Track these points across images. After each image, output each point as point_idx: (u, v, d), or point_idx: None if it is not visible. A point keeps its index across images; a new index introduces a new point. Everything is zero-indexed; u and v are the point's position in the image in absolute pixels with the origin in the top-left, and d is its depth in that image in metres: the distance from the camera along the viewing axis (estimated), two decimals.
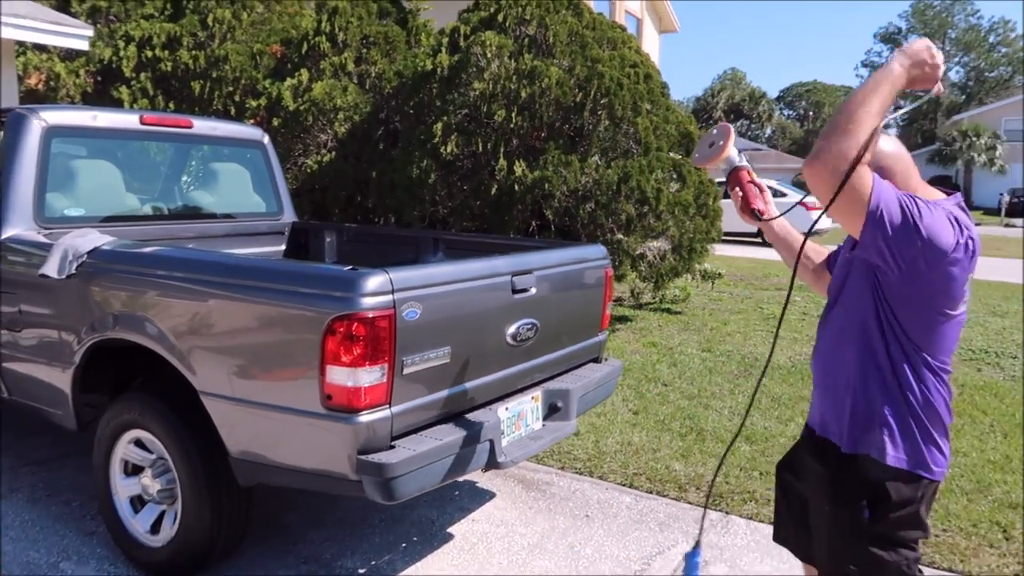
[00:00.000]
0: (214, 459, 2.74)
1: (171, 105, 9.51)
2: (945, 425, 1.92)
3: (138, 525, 3.06)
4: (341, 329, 2.34)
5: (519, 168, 7.19)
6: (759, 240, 18.13)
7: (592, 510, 3.73)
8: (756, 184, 2.23)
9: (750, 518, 3.68)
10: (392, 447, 2.48)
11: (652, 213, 7.17)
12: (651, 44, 21.06)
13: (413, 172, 7.52)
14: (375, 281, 2.38)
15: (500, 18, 7.92)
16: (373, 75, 8.87)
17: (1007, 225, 29.71)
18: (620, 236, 7.38)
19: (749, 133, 65.32)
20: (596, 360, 3.76)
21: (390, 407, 2.46)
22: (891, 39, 66.52)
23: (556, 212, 7.29)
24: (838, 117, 1.71)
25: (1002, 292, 10.86)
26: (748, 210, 2.21)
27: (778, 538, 2.27)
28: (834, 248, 2.32)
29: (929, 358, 1.86)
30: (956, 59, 64.32)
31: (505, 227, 7.41)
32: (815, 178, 1.72)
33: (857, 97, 1.72)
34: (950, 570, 3.24)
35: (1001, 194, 35.71)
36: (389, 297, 2.40)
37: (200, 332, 2.70)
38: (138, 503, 3.09)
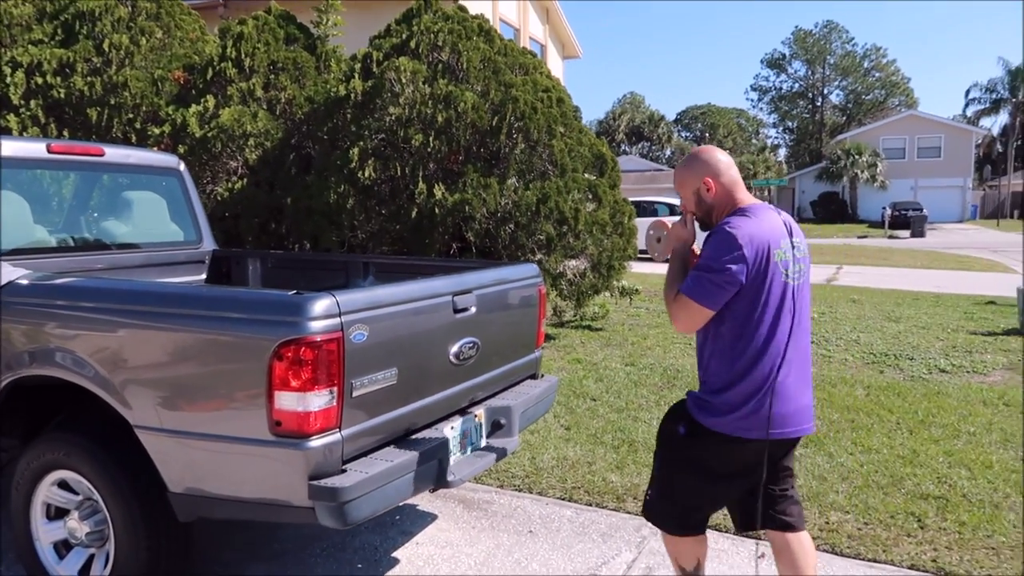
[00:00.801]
0: (150, 495, 2.63)
1: (66, 133, 9.07)
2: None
3: (64, 572, 2.88)
4: (289, 354, 2.31)
5: (439, 191, 7.22)
6: (667, 258, 18.69)
7: (535, 526, 3.76)
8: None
9: None
10: (344, 471, 2.44)
11: (571, 233, 7.33)
12: (555, 69, 21.56)
13: (330, 197, 7.44)
14: (322, 304, 2.36)
15: (413, 44, 7.98)
16: (283, 101, 8.73)
17: (891, 237, 31.77)
18: (540, 256, 7.50)
19: (650, 154, 67.57)
20: (533, 376, 3.81)
21: (340, 431, 2.43)
22: (776, 64, 70.45)
23: (477, 234, 7.35)
24: (669, 307, 2.52)
25: (894, 299, 11.60)
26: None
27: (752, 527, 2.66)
28: None
29: None
30: (836, 83, 68.69)
31: (426, 250, 7.41)
32: (685, 328, 2.50)
33: (667, 296, 2.56)
34: (874, 560, 3.43)
35: (884, 208, 38.18)
36: (336, 320, 2.38)
37: (136, 365, 2.59)
38: (63, 548, 2.92)
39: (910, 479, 4.30)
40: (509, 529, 3.72)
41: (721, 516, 3.81)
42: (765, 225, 2.41)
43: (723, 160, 2.53)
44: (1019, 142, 53.01)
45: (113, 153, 4.18)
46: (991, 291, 12.62)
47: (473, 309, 3.09)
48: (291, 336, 2.31)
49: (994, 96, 53.00)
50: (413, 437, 2.80)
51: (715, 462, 2.51)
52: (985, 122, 55.01)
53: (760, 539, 3.62)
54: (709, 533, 3.39)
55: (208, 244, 4.63)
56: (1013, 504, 3.96)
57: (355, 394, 2.45)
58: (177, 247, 4.48)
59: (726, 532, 3.69)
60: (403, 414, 2.72)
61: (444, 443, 2.83)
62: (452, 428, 2.98)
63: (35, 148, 3.79)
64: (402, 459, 2.59)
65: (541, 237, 7.40)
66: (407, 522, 3.79)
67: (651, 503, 2.66)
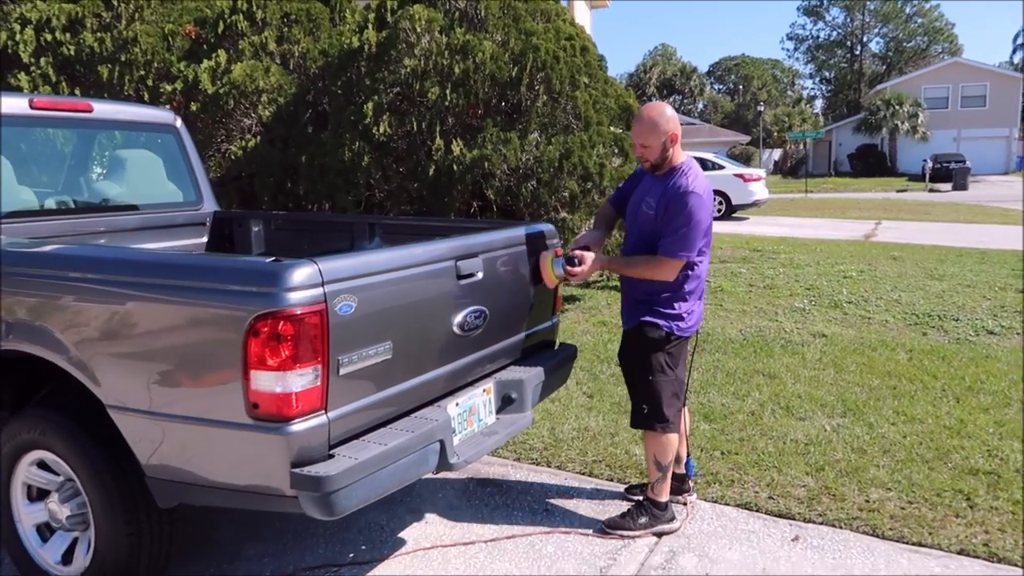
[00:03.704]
0: (129, 479, 2.44)
1: (77, 91, 8.87)
2: None
3: (47, 555, 2.73)
4: (265, 329, 2.06)
5: (457, 147, 6.90)
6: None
7: (552, 503, 3.53)
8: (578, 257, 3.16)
9: (715, 501, 3.54)
10: (331, 456, 2.21)
11: (596, 189, 6.98)
12: (582, 19, 20.87)
13: (345, 155, 7.16)
14: (302, 273, 2.11)
15: None
16: (297, 55, 8.42)
17: (931, 190, 30.71)
18: (565, 214, 7.18)
19: (682, 108, 66.12)
20: (550, 345, 3.55)
21: (326, 412, 2.19)
22: (813, 12, 68.01)
23: (497, 192, 7.04)
24: (649, 273, 3.15)
25: (936, 255, 11.09)
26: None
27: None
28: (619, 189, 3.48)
29: None
30: (876, 30, 66.15)
31: (445, 209, 7.12)
32: (672, 278, 3.13)
33: (640, 270, 3.20)
34: (920, 544, 3.15)
35: (924, 160, 36.90)
36: (319, 290, 2.12)
37: (103, 339, 2.37)
38: (46, 531, 2.76)
39: (957, 452, 3.99)
40: (524, 507, 3.50)
41: (752, 494, 3.55)
42: (702, 174, 3.18)
43: (676, 118, 3.17)
44: None
45: (102, 109, 3.93)
46: None
47: (480, 275, 2.82)
48: (267, 309, 2.06)
49: None
50: (413, 416, 2.56)
51: (686, 355, 3.30)
52: None
53: (793, 519, 3.36)
54: (737, 512, 3.52)
55: (209, 205, 4.40)
56: None
57: (343, 372, 2.21)
58: (175, 208, 4.25)
59: (756, 512, 3.43)
60: (400, 392, 2.48)
61: (447, 421, 2.60)
62: (457, 405, 2.74)
63: (16, 104, 3.55)
64: (398, 442, 2.36)
65: (565, 194, 7.07)
66: (416, 499, 3.59)
67: (653, 410, 3.18)
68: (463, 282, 2.73)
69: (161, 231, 4.12)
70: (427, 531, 3.28)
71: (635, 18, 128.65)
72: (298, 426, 2.12)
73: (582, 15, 21.20)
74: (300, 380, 2.10)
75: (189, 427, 2.24)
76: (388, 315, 2.38)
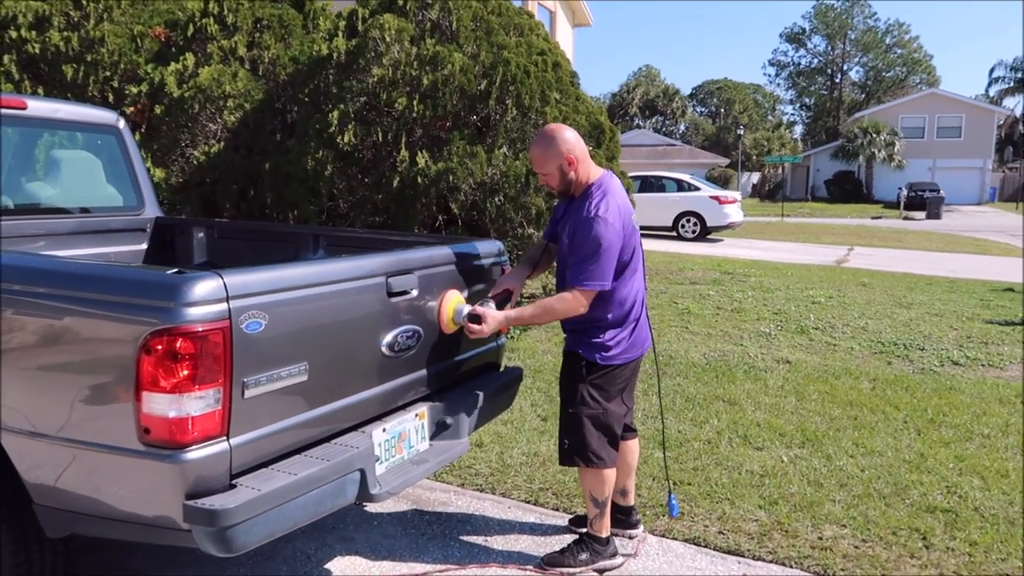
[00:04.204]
0: (20, 506, 2.24)
1: (40, 90, 8.64)
2: None
3: None
4: (160, 347, 1.89)
5: (422, 159, 6.77)
6: (674, 235, 18.22)
7: (492, 535, 3.36)
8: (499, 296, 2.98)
9: (663, 535, 3.39)
10: (233, 486, 2.04)
11: None
12: (565, 37, 20.89)
13: (308, 164, 6.99)
14: (204, 287, 1.94)
15: (400, 1, 7.47)
16: (267, 60, 8.25)
17: (906, 218, 31.02)
18: (531, 230, 7.06)
19: (664, 129, 66.61)
20: (495, 367, 3.39)
21: (228, 439, 2.02)
22: (795, 39, 68.98)
23: (462, 206, 6.91)
24: (562, 310, 2.90)
25: (906, 283, 11.09)
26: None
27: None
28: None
29: None
30: (856, 59, 67.21)
31: (410, 222, 6.97)
32: (586, 308, 2.88)
33: (554, 310, 2.91)
34: None
35: (900, 188, 37.32)
36: (223, 306, 1.96)
37: None
38: None
39: (916, 487, 3.88)
40: (463, 538, 3.33)
41: (702, 528, 3.41)
42: (620, 195, 2.94)
43: (576, 136, 2.95)
44: None
45: (38, 107, 3.75)
46: (1009, 277, 12.08)
47: (414, 292, 2.66)
48: (163, 325, 1.90)
49: (1019, 75, 51.68)
50: (333, 442, 2.39)
51: (621, 385, 3.04)
52: (1008, 102, 53.79)
53: (743, 556, 3.22)
54: (685, 548, 3.36)
55: (151, 211, 4.21)
56: None
57: (248, 395, 2.04)
58: (114, 213, 4.06)
59: (705, 547, 3.28)
60: (318, 416, 2.32)
61: (369, 449, 2.43)
62: (385, 430, 2.57)
63: None
64: (311, 471, 2.19)
65: (531, 211, 6.95)
66: (350, 526, 3.41)
67: (574, 445, 2.97)
68: (395, 300, 2.58)
69: (97, 236, 3.93)
70: (355, 563, 3.10)
71: (619, 38, 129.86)
72: (194, 454, 1.94)
73: (564, 33, 21.23)
74: (198, 403, 1.93)
75: (79, 451, 2.05)
76: (305, 334, 2.22)
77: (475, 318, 2.78)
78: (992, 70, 57.33)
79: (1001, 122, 49.60)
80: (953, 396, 5.45)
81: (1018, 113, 54.45)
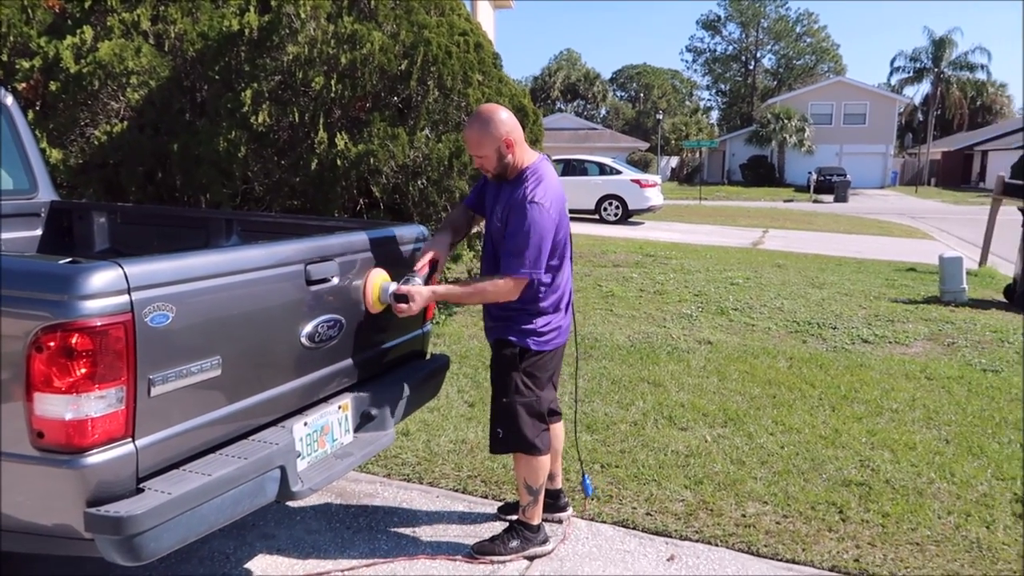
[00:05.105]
0: None
1: None
2: None
3: None
4: (53, 344, 1.74)
5: (341, 141, 6.56)
6: (596, 218, 18.40)
7: (420, 525, 3.29)
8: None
9: (592, 519, 3.39)
10: (140, 491, 1.90)
11: None
12: (486, 18, 20.69)
13: (220, 145, 6.68)
14: (102, 277, 1.79)
15: None
16: (173, 36, 7.82)
17: (815, 201, 32.24)
18: None
19: (585, 113, 67.12)
20: (420, 356, 3.31)
21: (134, 440, 1.88)
22: (711, 26, 70.54)
23: (384, 189, 6.74)
24: (493, 295, 2.87)
25: (818, 264, 11.51)
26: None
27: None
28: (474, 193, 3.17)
29: None
30: (768, 47, 69.27)
31: (329, 206, 6.76)
32: (517, 296, 2.85)
33: (483, 292, 2.89)
34: (793, 561, 3.09)
35: (810, 173, 38.79)
36: (124, 298, 1.81)
37: None
38: None
39: (832, 463, 4.01)
40: (390, 530, 3.25)
41: (630, 511, 3.43)
42: (554, 181, 2.90)
43: (513, 118, 2.86)
44: (939, 112, 54.61)
45: None
46: (911, 257, 12.70)
47: (335, 280, 2.55)
48: (56, 320, 1.74)
49: (917, 65, 54.29)
50: (251, 439, 2.27)
51: (551, 371, 3.03)
52: (908, 91, 56.47)
53: (670, 537, 3.25)
54: (614, 531, 3.36)
55: (46, 194, 3.92)
56: (936, 491, 3.70)
57: (155, 392, 1.90)
58: (3, 197, 3.76)
59: (633, 529, 3.30)
60: (234, 412, 2.19)
61: (289, 444, 2.32)
62: (306, 424, 2.46)
63: None
64: (227, 471, 2.06)
65: (455, 194, 6.84)
66: (271, 522, 3.27)
67: (509, 434, 2.93)
68: (314, 288, 2.46)
69: None
70: (277, 562, 2.98)
71: (540, 21, 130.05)
72: (94, 458, 1.80)
73: (485, 15, 21.02)
74: (98, 404, 1.78)
75: None
76: (216, 326, 2.08)
77: (401, 297, 2.70)
78: (893, 60, 60.13)
79: (902, 110, 52.15)
80: (864, 373, 5.66)
81: (917, 101, 57.35)
